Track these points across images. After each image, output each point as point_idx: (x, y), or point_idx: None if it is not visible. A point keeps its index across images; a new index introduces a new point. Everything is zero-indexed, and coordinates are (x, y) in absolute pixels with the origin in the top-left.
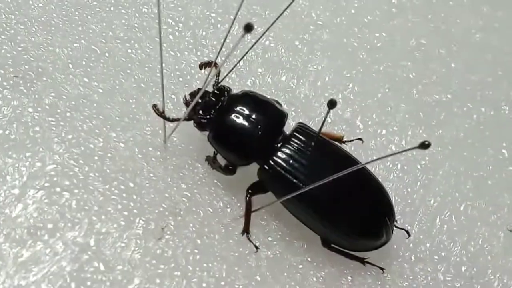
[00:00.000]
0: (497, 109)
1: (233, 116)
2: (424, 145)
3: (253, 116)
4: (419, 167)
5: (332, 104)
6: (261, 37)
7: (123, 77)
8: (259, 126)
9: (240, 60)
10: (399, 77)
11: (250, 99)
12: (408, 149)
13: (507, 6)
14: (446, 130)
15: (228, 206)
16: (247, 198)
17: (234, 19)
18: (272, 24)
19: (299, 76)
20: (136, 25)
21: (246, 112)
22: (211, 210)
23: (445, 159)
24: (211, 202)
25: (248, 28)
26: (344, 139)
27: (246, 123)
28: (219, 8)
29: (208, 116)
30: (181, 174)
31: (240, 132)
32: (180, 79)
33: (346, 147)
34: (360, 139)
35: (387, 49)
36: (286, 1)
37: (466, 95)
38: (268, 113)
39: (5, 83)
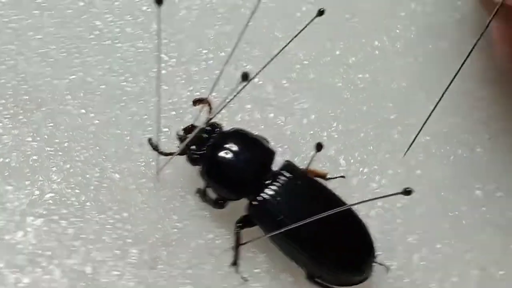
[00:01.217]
0: (472, 151)
1: (224, 153)
2: (407, 192)
3: (244, 154)
4: (398, 205)
5: (319, 146)
6: (253, 78)
7: (119, 109)
8: (250, 164)
9: (232, 99)
10: (381, 117)
11: (241, 137)
12: (391, 195)
13: None
14: (425, 170)
15: (217, 237)
16: (236, 231)
17: (227, 61)
18: (264, 67)
19: (286, 113)
20: (131, 59)
21: (237, 149)
22: (201, 241)
23: (423, 198)
24: (201, 233)
25: (245, 77)
26: (328, 176)
27: (237, 160)
28: (210, 45)
29: (200, 152)
30: (172, 205)
31: (231, 169)
32: (173, 112)
33: (329, 184)
34: (343, 176)
35: (370, 90)
36: (274, 40)
37: (443, 137)
38: (258, 151)
39: (5, 113)
